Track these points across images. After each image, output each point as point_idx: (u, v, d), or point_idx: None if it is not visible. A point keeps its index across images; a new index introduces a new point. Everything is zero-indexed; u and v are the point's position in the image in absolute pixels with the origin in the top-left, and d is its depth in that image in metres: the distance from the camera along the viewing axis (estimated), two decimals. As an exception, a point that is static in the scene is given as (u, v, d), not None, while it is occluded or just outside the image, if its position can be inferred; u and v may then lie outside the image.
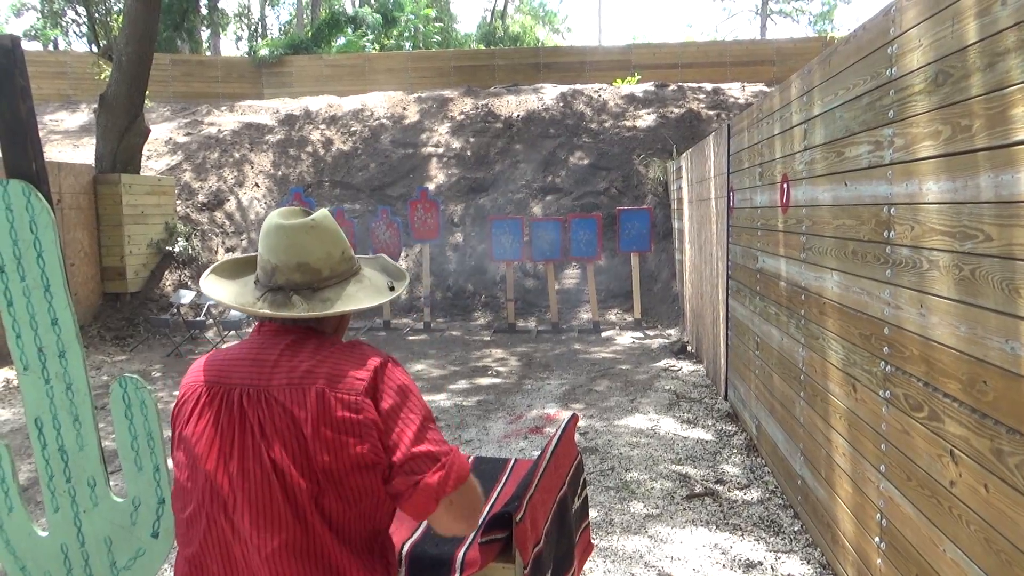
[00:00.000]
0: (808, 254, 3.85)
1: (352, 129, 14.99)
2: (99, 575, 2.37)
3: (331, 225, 1.66)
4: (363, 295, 1.66)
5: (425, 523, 2.26)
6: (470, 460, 2.86)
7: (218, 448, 1.48)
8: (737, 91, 15.56)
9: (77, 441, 2.34)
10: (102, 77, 14.02)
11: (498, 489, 2.55)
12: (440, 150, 14.23)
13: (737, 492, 4.47)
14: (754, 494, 4.43)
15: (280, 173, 13.96)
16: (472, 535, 2.15)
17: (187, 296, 10.33)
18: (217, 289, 1.68)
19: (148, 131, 11.82)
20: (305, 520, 1.45)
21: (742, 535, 3.92)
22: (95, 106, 11.83)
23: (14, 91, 2.44)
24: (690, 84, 16.15)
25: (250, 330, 10.08)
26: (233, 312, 9.69)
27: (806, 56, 16.42)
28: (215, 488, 1.48)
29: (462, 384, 7.50)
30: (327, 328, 1.66)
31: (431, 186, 13.27)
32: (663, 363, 8.15)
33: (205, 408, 1.53)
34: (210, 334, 10.25)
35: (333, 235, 1.65)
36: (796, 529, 3.95)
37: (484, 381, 7.62)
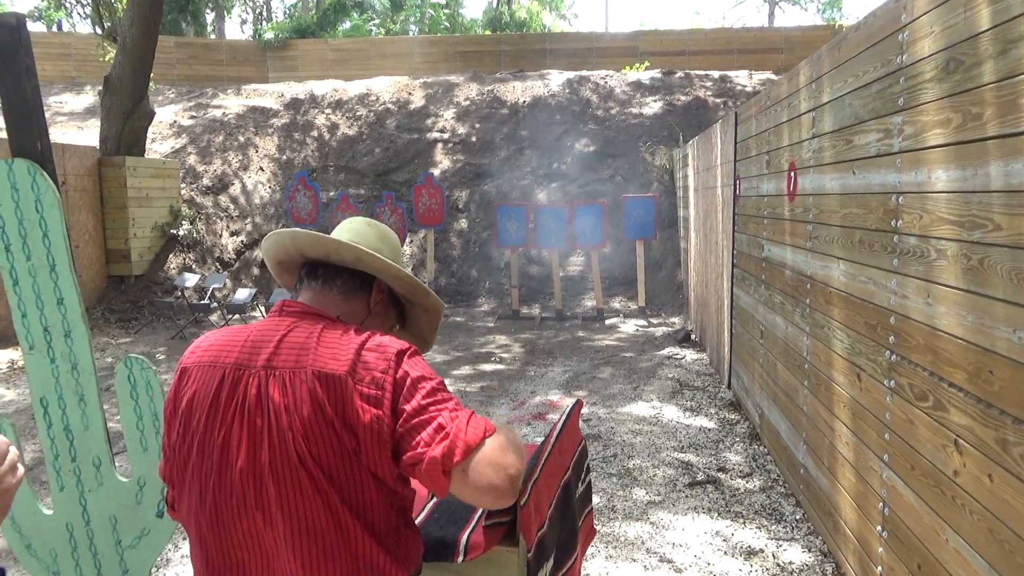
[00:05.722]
0: (814, 243, 3.83)
1: (357, 114, 14.95)
2: (104, 553, 2.39)
3: (393, 237, 1.80)
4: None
5: (430, 504, 2.27)
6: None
7: (244, 433, 1.44)
8: (744, 79, 15.47)
9: (82, 421, 2.35)
10: (106, 59, 13.98)
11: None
12: (445, 136, 14.20)
13: (739, 480, 4.48)
14: (756, 482, 4.44)
15: (285, 157, 13.94)
16: (476, 518, 2.16)
17: (191, 279, 10.34)
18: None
19: (152, 113, 11.80)
20: (332, 509, 1.42)
21: (744, 523, 3.92)
22: (99, 88, 11.81)
23: (19, 70, 2.43)
24: (697, 72, 16.07)
25: (256, 315, 10.11)
26: (237, 296, 9.70)
27: (814, 44, 16.30)
28: (245, 477, 1.43)
29: (465, 370, 7.51)
30: (351, 319, 1.64)
31: (436, 171, 13.24)
32: (667, 351, 8.15)
33: (220, 391, 1.48)
34: (214, 317, 10.27)
35: (392, 244, 1.76)
36: (798, 517, 3.96)
37: (487, 367, 7.63)
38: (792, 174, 4.28)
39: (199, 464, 1.48)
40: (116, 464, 2.48)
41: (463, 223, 12.68)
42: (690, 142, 9.60)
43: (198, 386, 1.50)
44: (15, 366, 7.92)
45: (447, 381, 7.02)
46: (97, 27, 16.75)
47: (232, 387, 1.47)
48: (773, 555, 3.58)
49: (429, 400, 1.43)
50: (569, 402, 2.48)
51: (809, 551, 3.60)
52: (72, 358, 2.34)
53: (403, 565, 1.50)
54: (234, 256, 12.19)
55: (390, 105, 15.10)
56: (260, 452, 1.42)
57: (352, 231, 1.73)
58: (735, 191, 6.08)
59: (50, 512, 2.40)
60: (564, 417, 2.55)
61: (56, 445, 2.35)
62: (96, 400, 2.36)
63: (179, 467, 1.52)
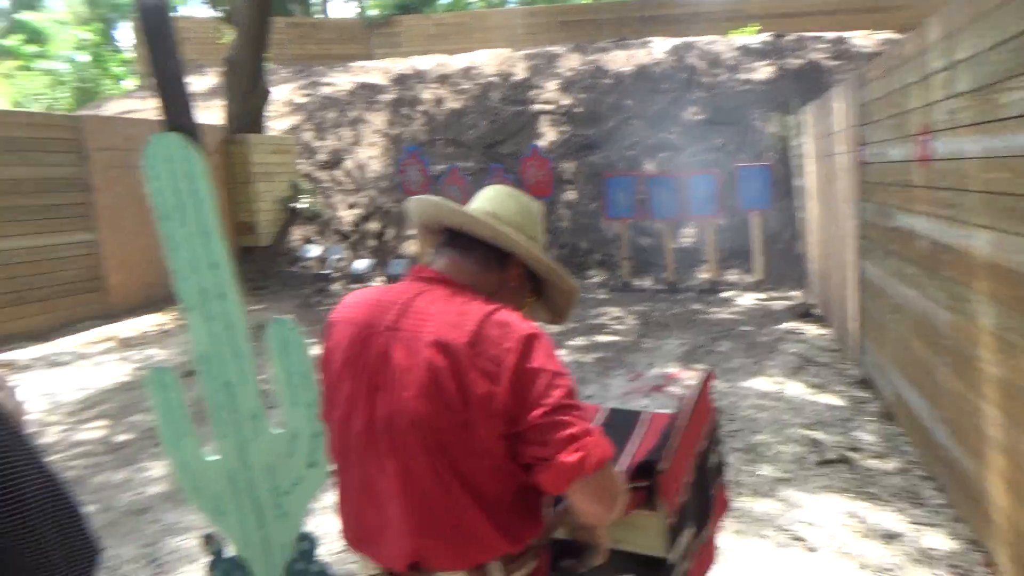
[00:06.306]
0: (953, 211, 3.59)
1: (462, 87, 15.05)
2: (263, 498, 2.56)
3: (535, 210, 1.79)
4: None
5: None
6: (607, 412, 2.85)
7: (364, 389, 1.52)
8: (862, 39, 14.59)
9: (239, 376, 2.50)
10: (224, 41, 14.61)
11: (637, 439, 2.54)
12: (550, 107, 14.11)
13: (873, 461, 4.29)
14: (892, 463, 4.23)
15: (394, 132, 14.22)
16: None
17: (314, 250, 10.78)
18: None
19: (268, 92, 12.25)
20: (438, 472, 1.44)
21: (880, 505, 3.75)
22: (220, 70, 12.35)
23: (169, 48, 2.56)
24: (810, 34, 15.28)
25: (375, 283, 10.46)
26: (355, 266, 10.03)
27: None
28: (361, 431, 1.52)
29: (580, 341, 7.51)
30: (482, 289, 1.63)
31: (542, 143, 13.20)
32: (786, 325, 7.87)
33: (350, 347, 1.56)
34: (336, 286, 10.66)
35: (532, 217, 1.76)
36: (940, 502, 3.74)
37: (602, 338, 7.60)
38: (925, 138, 4.01)
39: (330, 413, 1.60)
40: (268, 419, 2.64)
41: (571, 195, 12.61)
42: (805, 108, 9.18)
43: (336, 340, 1.61)
44: (163, 329, 8.48)
45: (563, 352, 7.03)
46: (214, 11, 17.49)
47: (360, 344, 1.54)
48: (914, 539, 3.41)
49: (566, 402, 1.43)
50: (689, 374, 2.45)
51: (955, 538, 3.41)
52: (227, 318, 2.49)
53: (512, 541, 1.50)
54: (352, 228, 12.58)
55: (493, 78, 15.12)
56: (376, 409, 1.49)
57: (492, 200, 1.75)
58: (860, 158, 5.78)
59: (214, 459, 2.58)
60: (697, 386, 2.51)
61: (218, 398, 2.52)
62: (249, 357, 2.52)
63: (324, 413, 1.66)
